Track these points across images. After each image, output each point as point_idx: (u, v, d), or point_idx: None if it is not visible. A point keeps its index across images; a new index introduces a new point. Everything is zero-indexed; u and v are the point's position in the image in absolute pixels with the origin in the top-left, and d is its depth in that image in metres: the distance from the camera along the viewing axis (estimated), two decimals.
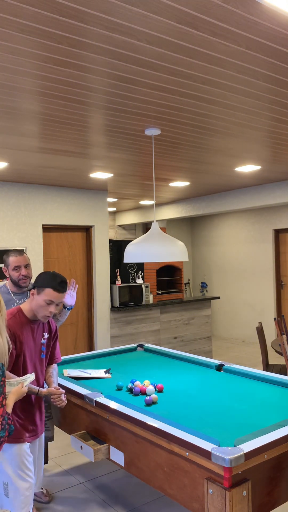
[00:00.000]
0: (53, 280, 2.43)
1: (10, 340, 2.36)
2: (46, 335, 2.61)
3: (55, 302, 2.43)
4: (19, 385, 2.03)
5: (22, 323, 2.47)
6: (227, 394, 2.89)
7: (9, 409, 1.88)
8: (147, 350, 4.21)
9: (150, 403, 2.72)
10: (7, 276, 3.05)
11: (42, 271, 5.50)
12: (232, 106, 2.99)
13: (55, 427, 4.35)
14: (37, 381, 2.56)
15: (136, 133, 3.57)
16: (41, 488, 3.13)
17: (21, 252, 3.04)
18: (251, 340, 8.80)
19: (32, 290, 2.46)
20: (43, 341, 2.58)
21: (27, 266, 3.03)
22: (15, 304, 3.05)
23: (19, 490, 2.39)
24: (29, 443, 2.50)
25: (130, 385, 3.02)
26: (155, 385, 2.99)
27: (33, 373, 2.19)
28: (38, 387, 2.49)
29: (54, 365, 2.78)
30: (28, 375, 2.14)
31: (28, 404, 2.52)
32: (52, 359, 2.75)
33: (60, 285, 2.44)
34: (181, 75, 2.47)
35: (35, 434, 2.55)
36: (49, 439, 3.17)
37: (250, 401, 2.74)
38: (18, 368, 2.44)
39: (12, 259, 3.00)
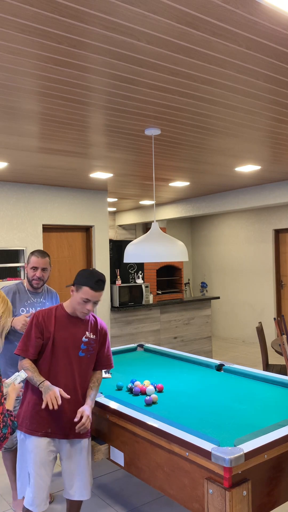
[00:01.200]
0: (90, 279, 2.43)
1: (37, 329, 2.47)
2: (90, 335, 2.55)
3: (92, 300, 2.44)
4: (12, 385, 2.05)
5: (57, 316, 2.51)
6: (227, 394, 2.89)
7: (10, 406, 1.90)
8: (147, 350, 4.21)
9: (150, 403, 2.72)
10: (26, 272, 3.12)
11: None
12: (232, 106, 2.99)
13: None
14: (68, 380, 2.47)
15: (136, 133, 3.57)
16: None
17: (44, 254, 3.10)
18: (251, 340, 8.80)
19: (72, 287, 2.49)
20: (84, 339, 2.52)
21: (44, 269, 3.08)
22: (29, 302, 3.08)
23: (34, 484, 2.38)
24: (48, 439, 2.43)
25: (130, 385, 3.02)
26: (155, 385, 2.99)
27: (23, 371, 2.17)
28: (42, 380, 2.38)
29: (99, 374, 2.66)
30: (17, 374, 2.13)
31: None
32: (99, 365, 2.65)
33: (97, 284, 2.43)
34: (181, 75, 2.47)
35: (58, 434, 2.45)
36: None
37: (250, 401, 2.74)
38: (46, 356, 2.46)
39: (33, 259, 3.08)
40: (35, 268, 3.07)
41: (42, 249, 5.89)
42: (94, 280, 2.42)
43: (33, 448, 2.41)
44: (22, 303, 3.06)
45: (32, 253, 3.11)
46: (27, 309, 3.06)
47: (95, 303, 2.47)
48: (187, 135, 3.68)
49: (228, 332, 9.29)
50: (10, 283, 5.58)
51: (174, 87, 2.64)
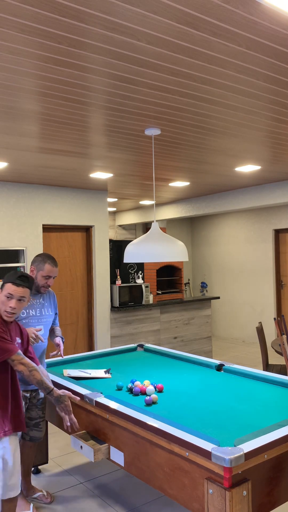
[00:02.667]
0: (12, 276, 2.52)
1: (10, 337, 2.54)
2: (18, 340, 2.66)
3: (15, 296, 2.48)
4: None
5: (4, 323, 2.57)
6: (227, 394, 2.89)
7: None
8: (147, 350, 4.21)
9: (150, 403, 2.72)
10: (33, 276, 3.09)
11: None
12: (232, 106, 2.99)
13: (55, 426, 4.35)
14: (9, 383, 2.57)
15: (136, 133, 3.57)
16: (42, 491, 3.13)
17: (56, 263, 3.13)
18: (251, 340, 8.80)
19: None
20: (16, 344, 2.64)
21: (54, 277, 3.10)
22: (29, 304, 3.06)
23: (17, 472, 2.48)
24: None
25: (130, 385, 3.02)
26: (155, 385, 2.99)
27: None
28: (53, 386, 2.55)
29: (43, 368, 2.87)
30: None
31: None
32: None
33: (19, 279, 2.50)
34: (181, 75, 2.47)
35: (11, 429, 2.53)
36: (38, 439, 3.14)
37: (250, 401, 2.74)
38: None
39: (47, 267, 3.05)
40: (48, 277, 3.06)
41: (42, 249, 5.90)
42: (16, 276, 2.51)
43: (15, 445, 2.50)
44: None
45: (44, 260, 3.07)
46: (27, 310, 3.04)
47: (20, 300, 2.51)
48: (187, 135, 3.68)
49: (228, 332, 9.29)
50: None
51: (174, 87, 2.64)
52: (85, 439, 2.77)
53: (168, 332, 6.96)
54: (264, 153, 4.36)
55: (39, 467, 3.60)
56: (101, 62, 2.29)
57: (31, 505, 2.94)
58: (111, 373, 3.45)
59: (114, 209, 8.89)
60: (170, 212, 7.96)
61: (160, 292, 8.78)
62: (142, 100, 2.84)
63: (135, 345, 4.31)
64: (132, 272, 6.99)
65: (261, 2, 1.77)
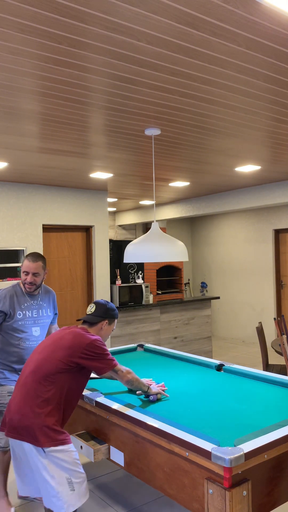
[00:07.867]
0: (116, 311, 2.78)
1: None
2: None
3: None
4: None
5: None
6: (227, 394, 2.89)
7: None
8: (147, 350, 4.21)
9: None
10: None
11: None
12: (232, 106, 2.99)
13: None
14: None
15: (136, 133, 3.57)
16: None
17: (36, 259, 3.03)
18: (251, 340, 8.80)
19: (105, 321, 2.66)
20: None
21: (35, 274, 3.02)
22: (25, 305, 3.04)
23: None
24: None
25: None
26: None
27: None
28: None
29: None
30: None
31: None
32: None
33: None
34: (181, 75, 2.47)
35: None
36: None
37: (250, 401, 2.74)
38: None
39: (25, 263, 3.03)
40: (26, 273, 3.03)
41: (42, 249, 5.90)
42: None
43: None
44: (19, 307, 3.02)
45: (26, 256, 3.06)
46: (24, 312, 3.03)
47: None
48: (187, 135, 3.68)
49: (228, 332, 9.29)
50: (10, 283, 5.58)
51: (174, 87, 2.64)
52: (85, 439, 2.77)
53: (168, 332, 6.96)
54: (264, 153, 4.36)
55: None
56: (101, 62, 2.29)
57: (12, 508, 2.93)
58: None
59: (114, 209, 8.89)
60: (170, 212, 7.96)
61: (160, 292, 8.78)
62: (142, 100, 2.84)
63: (135, 345, 4.31)
64: (132, 272, 6.99)
65: (261, 2, 1.77)
